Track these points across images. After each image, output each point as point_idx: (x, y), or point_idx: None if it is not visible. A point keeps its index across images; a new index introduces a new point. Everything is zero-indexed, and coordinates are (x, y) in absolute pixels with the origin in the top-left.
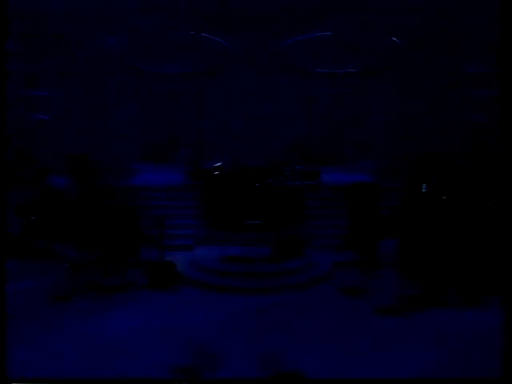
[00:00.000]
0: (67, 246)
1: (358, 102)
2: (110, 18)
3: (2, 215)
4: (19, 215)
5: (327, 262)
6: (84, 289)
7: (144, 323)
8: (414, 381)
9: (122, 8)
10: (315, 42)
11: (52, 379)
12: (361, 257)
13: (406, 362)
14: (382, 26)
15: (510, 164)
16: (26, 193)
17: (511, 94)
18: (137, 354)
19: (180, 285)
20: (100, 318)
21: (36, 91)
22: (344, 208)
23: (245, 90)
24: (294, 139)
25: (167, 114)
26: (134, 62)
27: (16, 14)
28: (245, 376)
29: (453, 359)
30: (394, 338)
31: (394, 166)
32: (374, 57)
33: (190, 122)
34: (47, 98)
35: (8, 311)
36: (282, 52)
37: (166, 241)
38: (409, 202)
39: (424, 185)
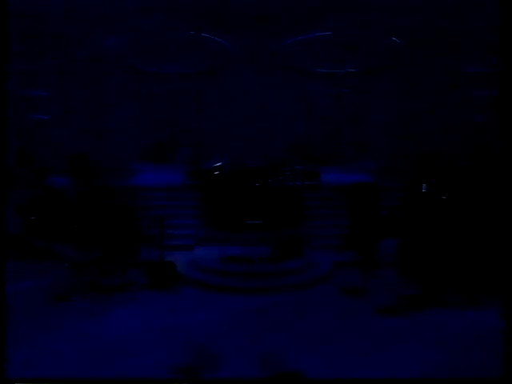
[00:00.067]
0: (67, 245)
1: (358, 102)
2: (110, 18)
3: (2, 215)
4: (19, 215)
5: (327, 261)
6: (84, 289)
7: (144, 323)
8: (413, 381)
9: (122, 8)
10: (315, 42)
11: (52, 379)
12: (361, 257)
13: (405, 361)
14: (382, 26)
15: (510, 164)
16: (25, 193)
17: (511, 93)
18: (137, 353)
19: (180, 285)
20: (100, 318)
21: (36, 91)
22: (344, 208)
23: (245, 90)
24: (294, 139)
25: (167, 113)
26: (134, 61)
27: (16, 13)
28: (245, 376)
29: (453, 359)
30: (394, 338)
31: (394, 165)
32: (374, 57)
33: (190, 122)
34: (47, 98)
35: (8, 311)
36: (282, 52)
37: (166, 241)
38: (409, 202)
39: (424, 185)
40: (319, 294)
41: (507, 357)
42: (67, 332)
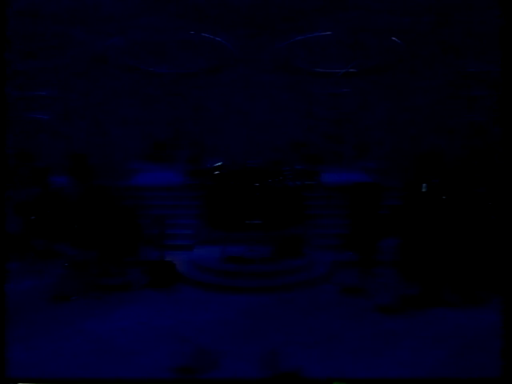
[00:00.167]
0: (67, 245)
1: (358, 102)
2: (110, 18)
3: (2, 215)
4: (19, 215)
5: (327, 261)
6: (84, 289)
7: (144, 323)
8: (413, 380)
9: (123, 8)
10: (315, 42)
11: (52, 379)
12: (361, 256)
13: (405, 361)
14: (382, 26)
15: (510, 164)
16: (25, 192)
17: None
18: (136, 353)
19: (180, 284)
20: (100, 318)
21: (36, 91)
22: (344, 208)
23: (245, 90)
24: (294, 139)
25: (167, 113)
26: (133, 61)
27: (16, 13)
28: (245, 376)
29: (452, 359)
30: (394, 338)
31: (394, 165)
32: (374, 57)
33: (190, 122)
34: (47, 98)
35: (8, 311)
36: (282, 52)
37: (166, 241)
38: (409, 202)
39: (424, 185)
40: (319, 293)
41: (507, 356)
42: (67, 332)
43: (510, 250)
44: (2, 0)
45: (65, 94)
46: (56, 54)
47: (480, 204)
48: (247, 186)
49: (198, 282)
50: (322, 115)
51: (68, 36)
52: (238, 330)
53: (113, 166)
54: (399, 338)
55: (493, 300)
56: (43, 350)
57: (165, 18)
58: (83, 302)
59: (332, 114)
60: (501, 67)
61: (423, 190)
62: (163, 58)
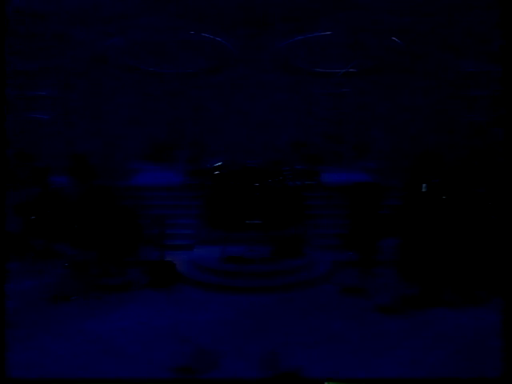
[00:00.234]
0: (67, 245)
1: (358, 102)
2: (110, 18)
3: (2, 215)
4: (19, 215)
5: (327, 261)
6: (84, 288)
7: (144, 323)
8: (413, 380)
9: (123, 8)
10: (315, 42)
11: (52, 379)
12: (360, 256)
13: (405, 361)
14: (382, 26)
15: (510, 164)
16: (25, 192)
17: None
18: (136, 353)
19: (180, 284)
20: (100, 318)
21: (36, 91)
22: (344, 208)
23: (245, 90)
24: (294, 139)
25: (167, 113)
26: (133, 61)
27: (16, 13)
28: (245, 376)
29: (452, 359)
30: (394, 338)
31: (394, 165)
32: (374, 56)
33: (190, 122)
34: (47, 98)
35: (8, 311)
36: (282, 52)
37: (166, 241)
38: (409, 202)
39: (424, 185)
40: (319, 293)
41: (507, 356)
42: (67, 332)
43: (510, 249)
44: (2, 0)
45: (65, 94)
46: (56, 54)
47: (480, 204)
48: (247, 186)
49: (198, 281)
50: (322, 115)
51: (68, 36)
52: (238, 330)
53: (113, 166)
54: (399, 338)
55: (493, 300)
56: (43, 350)
57: (165, 17)
58: (83, 302)
59: (332, 114)
60: (501, 67)
61: (423, 190)
62: (163, 58)
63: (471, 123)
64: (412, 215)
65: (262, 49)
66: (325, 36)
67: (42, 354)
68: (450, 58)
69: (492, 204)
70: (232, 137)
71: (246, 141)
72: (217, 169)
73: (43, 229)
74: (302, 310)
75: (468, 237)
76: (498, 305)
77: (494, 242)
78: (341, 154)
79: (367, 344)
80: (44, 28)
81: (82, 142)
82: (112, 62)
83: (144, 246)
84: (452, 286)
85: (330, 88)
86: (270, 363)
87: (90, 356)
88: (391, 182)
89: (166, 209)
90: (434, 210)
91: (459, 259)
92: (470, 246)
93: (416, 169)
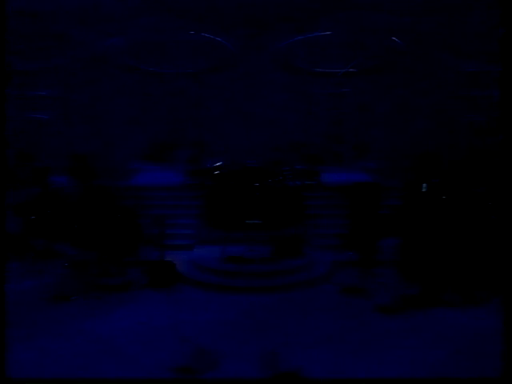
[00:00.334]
0: (67, 245)
1: (358, 102)
2: (110, 18)
3: (2, 215)
4: (19, 215)
5: (327, 261)
6: (84, 288)
7: (144, 323)
8: (414, 380)
9: (123, 8)
10: (315, 42)
11: (52, 379)
12: (361, 256)
13: (405, 361)
14: (382, 26)
15: (510, 164)
16: (25, 192)
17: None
18: (136, 353)
19: (180, 284)
20: (100, 318)
21: (36, 91)
22: (344, 208)
23: (245, 90)
24: (294, 139)
25: (167, 114)
26: (133, 61)
27: (16, 13)
28: (245, 376)
29: (452, 359)
30: (394, 338)
31: (394, 165)
32: (374, 56)
33: (190, 122)
34: (47, 98)
35: (8, 311)
36: (282, 52)
37: (166, 241)
38: (409, 202)
39: (424, 185)
40: (319, 293)
41: (507, 356)
42: (67, 332)
43: (510, 249)
44: (2, 0)
45: (65, 94)
46: (56, 54)
47: (480, 204)
48: (247, 186)
49: (198, 281)
50: (322, 115)
51: (68, 36)
52: (238, 330)
53: (113, 166)
54: (399, 338)
55: (493, 300)
56: (43, 350)
57: (165, 17)
58: (83, 302)
59: (332, 114)
60: (501, 67)
61: (423, 190)
62: (163, 58)
63: (471, 123)
64: (412, 215)
65: (261, 49)
66: (325, 36)
67: (42, 354)
68: (449, 58)
69: (492, 204)
70: (232, 137)
71: (246, 141)
72: (217, 169)
73: (43, 229)
74: (301, 309)
75: (468, 237)
76: (497, 305)
77: (494, 241)
78: (341, 154)
79: (367, 344)
80: (44, 28)
81: (81, 141)
82: (112, 61)
83: (144, 246)
84: (452, 286)
85: (330, 88)
86: (270, 363)
87: (89, 356)
88: (391, 182)
89: (166, 209)
90: (433, 210)
91: (459, 259)
92: (470, 246)
93: (416, 169)
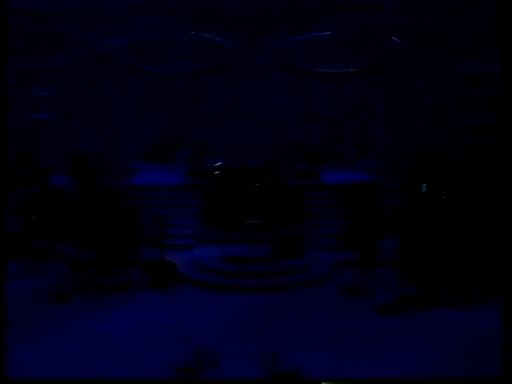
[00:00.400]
0: (67, 245)
1: (358, 102)
2: (110, 18)
3: (2, 215)
4: (19, 215)
5: (327, 261)
6: (84, 288)
7: (144, 323)
8: (414, 380)
9: (123, 8)
10: (315, 42)
11: (52, 379)
12: (361, 256)
13: (405, 361)
14: (382, 26)
15: (510, 164)
16: (25, 192)
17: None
18: (136, 353)
19: (180, 284)
20: (100, 318)
21: (36, 91)
22: (344, 208)
23: (245, 90)
24: (294, 139)
25: (167, 113)
26: (133, 61)
27: (16, 13)
28: (245, 376)
29: (452, 359)
30: (394, 338)
31: (394, 165)
32: (374, 56)
33: (190, 122)
34: (47, 98)
35: (8, 311)
36: (282, 52)
37: (166, 241)
38: (409, 202)
39: (424, 185)
40: (319, 293)
41: (507, 356)
42: (67, 331)
43: (510, 249)
44: (2, 0)
45: (65, 94)
46: (56, 54)
47: (480, 204)
48: (247, 185)
49: (198, 281)
50: (322, 115)
51: (68, 36)
52: (238, 330)
53: (113, 166)
54: (399, 338)
55: (493, 300)
56: (43, 350)
57: (165, 17)
58: (83, 302)
59: (332, 114)
60: (501, 67)
61: (423, 190)
62: (163, 58)
63: (471, 123)
64: (412, 215)
65: (261, 49)
66: (325, 36)
67: (42, 354)
68: (450, 58)
69: (492, 204)
70: (232, 137)
71: (246, 141)
72: (217, 169)
73: (43, 229)
74: (301, 310)
75: (468, 237)
76: (497, 305)
77: (494, 241)
78: (341, 154)
79: (367, 344)
80: (44, 28)
81: (81, 141)
82: (112, 62)
83: (144, 246)
84: (452, 286)
85: (330, 88)
86: (270, 363)
87: (89, 356)
88: (391, 182)
89: (166, 209)
90: (434, 210)
91: (459, 259)
92: (470, 246)
93: (416, 169)
